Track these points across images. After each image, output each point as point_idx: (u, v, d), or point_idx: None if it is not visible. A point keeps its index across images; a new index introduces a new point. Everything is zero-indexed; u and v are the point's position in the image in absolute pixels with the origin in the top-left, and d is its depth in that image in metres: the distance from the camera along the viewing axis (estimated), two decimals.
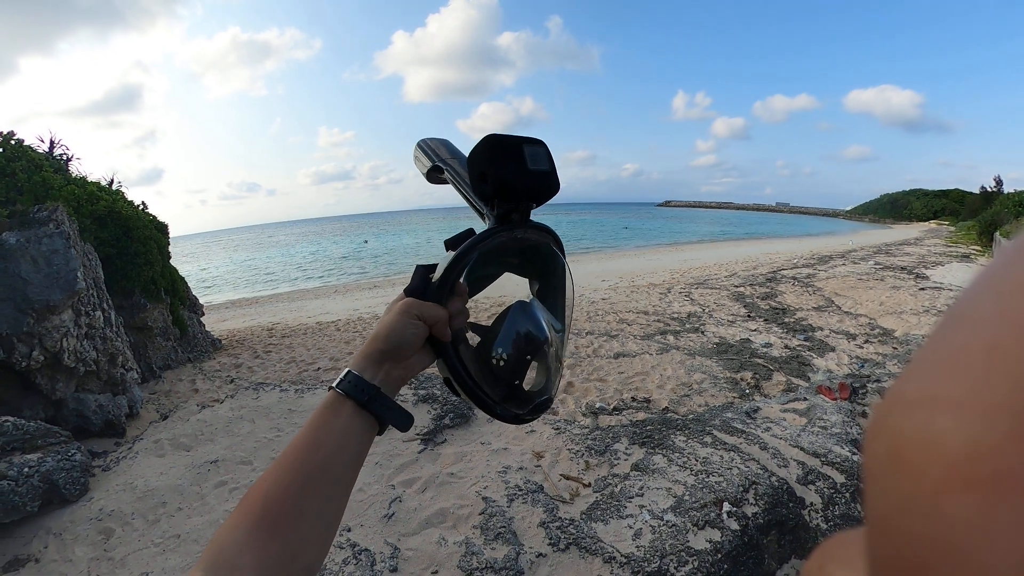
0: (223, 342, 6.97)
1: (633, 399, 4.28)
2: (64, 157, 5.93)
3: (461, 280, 0.61)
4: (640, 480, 2.93)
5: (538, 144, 0.62)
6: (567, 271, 0.69)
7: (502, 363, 0.62)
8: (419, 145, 0.78)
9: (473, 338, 0.65)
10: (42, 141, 5.88)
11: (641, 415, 3.93)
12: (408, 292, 0.60)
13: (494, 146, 0.59)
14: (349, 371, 0.56)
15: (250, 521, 0.47)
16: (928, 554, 0.14)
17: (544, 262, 0.70)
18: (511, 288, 0.72)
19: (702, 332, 6.33)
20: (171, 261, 6.47)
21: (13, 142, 5.16)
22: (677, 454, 3.18)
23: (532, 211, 0.64)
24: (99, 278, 4.65)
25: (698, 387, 4.53)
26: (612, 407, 4.09)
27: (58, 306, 3.88)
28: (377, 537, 2.64)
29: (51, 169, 5.18)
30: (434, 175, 0.75)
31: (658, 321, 6.91)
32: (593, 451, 3.28)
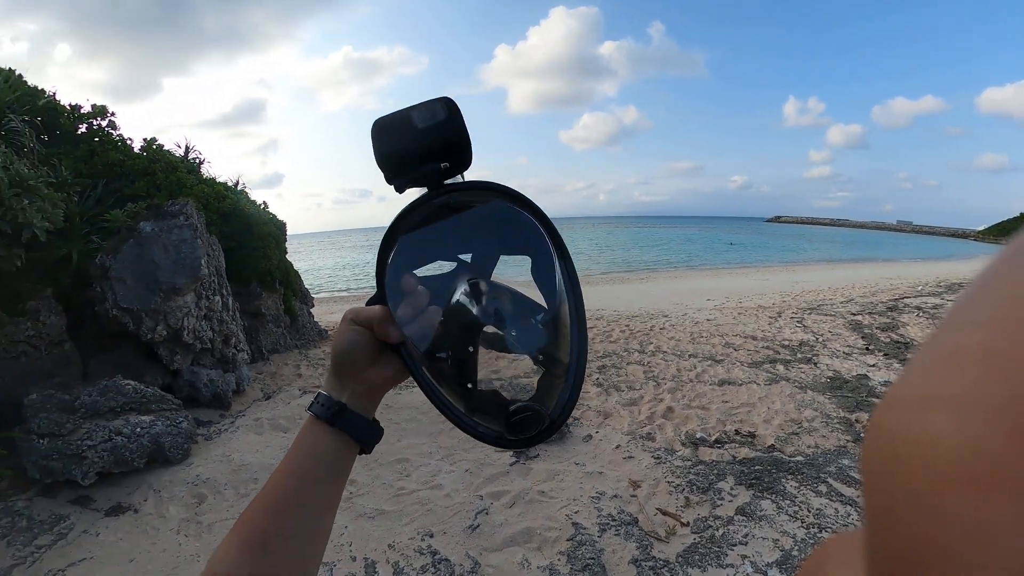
0: (329, 332, 7.27)
1: (737, 432, 3.91)
2: (197, 160, 6.65)
3: (405, 275, 0.51)
4: (745, 526, 2.64)
5: (433, 102, 0.51)
6: (538, 229, 0.52)
7: (447, 360, 0.51)
8: None
9: None
10: (179, 147, 6.72)
11: (744, 451, 3.57)
12: (367, 303, 0.54)
13: (378, 129, 0.52)
14: (319, 392, 0.55)
15: (239, 542, 0.49)
16: (927, 553, 0.14)
17: (509, 229, 0.53)
18: None
19: (815, 364, 5.74)
20: (286, 256, 6.89)
21: (155, 147, 5.81)
22: (788, 501, 2.84)
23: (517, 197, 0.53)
24: (221, 267, 5.00)
25: (808, 425, 4.06)
26: (714, 439, 3.76)
27: (182, 289, 4.22)
28: (459, 548, 2.55)
29: (185, 170, 5.77)
30: None
31: (767, 348, 6.37)
32: (695, 487, 3.00)
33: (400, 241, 0.51)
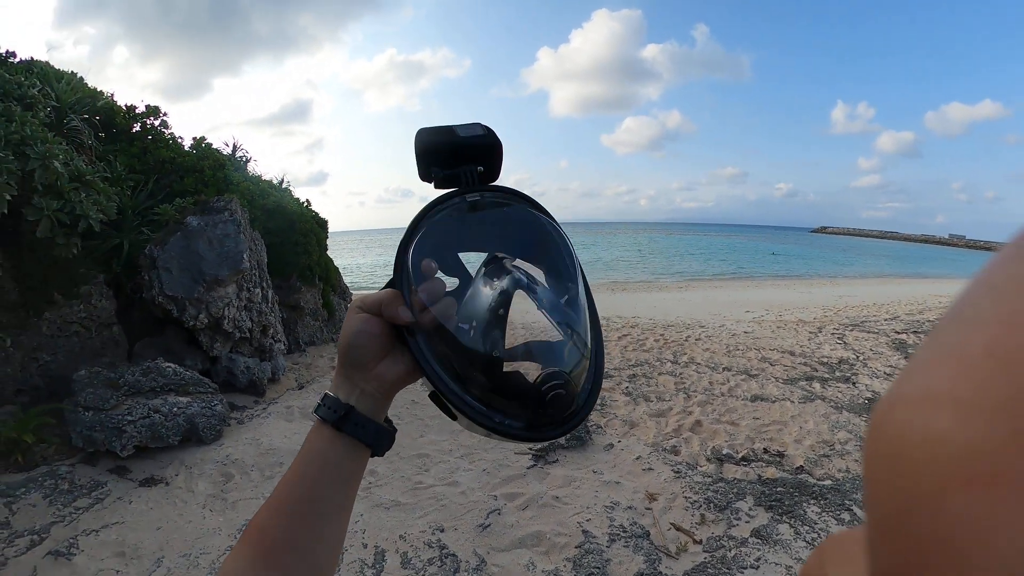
0: None
1: (765, 451, 3.80)
2: (243, 159, 6.96)
3: (425, 259, 0.49)
4: (759, 550, 2.57)
5: (474, 124, 0.56)
6: (558, 231, 0.53)
7: (471, 331, 0.48)
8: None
9: None
10: (227, 145, 7.09)
11: (771, 471, 3.46)
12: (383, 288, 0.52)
13: (422, 130, 0.56)
14: (325, 393, 0.51)
15: (250, 552, 0.47)
16: (929, 553, 0.14)
17: (529, 232, 0.54)
18: None
19: (853, 383, 5.51)
20: (327, 252, 7.09)
21: (204, 145, 6.10)
22: (807, 527, 2.75)
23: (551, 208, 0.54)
24: (262, 261, 5.20)
25: (841, 448, 3.90)
26: (740, 456, 3.66)
27: (224, 280, 4.41)
28: (468, 545, 2.59)
29: (232, 168, 6.03)
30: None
31: (804, 364, 6.17)
32: (712, 504, 2.94)
33: (425, 227, 0.51)
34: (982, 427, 0.13)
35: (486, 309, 0.49)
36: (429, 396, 0.49)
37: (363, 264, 32.11)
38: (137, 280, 4.42)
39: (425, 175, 0.57)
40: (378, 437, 0.50)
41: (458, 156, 0.55)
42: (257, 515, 0.49)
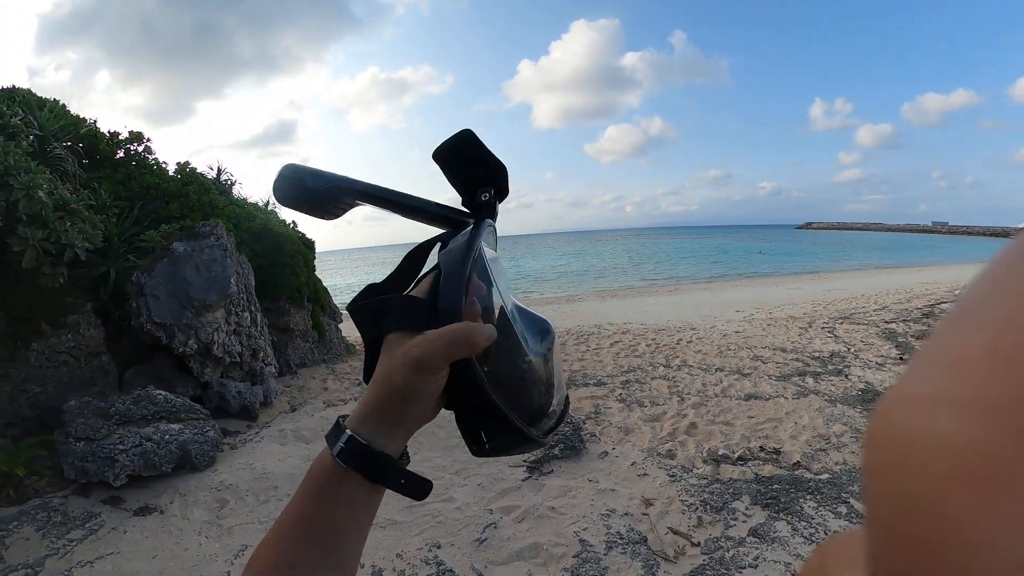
0: (357, 348, 7.39)
1: (762, 448, 3.82)
2: (228, 182, 6.98)
3: (471, 297, 0.46)
4: (757, 549, 2.57)
5: (462, 132, 0.54)
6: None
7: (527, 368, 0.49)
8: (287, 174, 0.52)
9: None
10: (211, 169, 7.13)
11: (768, 468, 3.48)
12: (398, 326, 0.46)
13: (470, 140, 0.51)
14: (352, 436, 0.44)
15: None
16: (929, 554, 0.14)
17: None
18: None
19: (846, 376, 5.56)
20: (316, 273, 7.10)
21: (188, 170, 6.12)
22: (804, 523, 2.77)
23: None
24: (250, 284, 5.20)
25: (837, 440, 3.93)
26: (737, 456, 3.68)
27: (213, 305, 4.41)
28: (464, 560, 2.58)
29: (217, 192, 6.05)
30: (319, 201, 0.52)
31: (796, 360, 6.21)
32: (709, 506, 2.95)
33: (477, 252, 0.48)
34: (982, 428, 0.13)
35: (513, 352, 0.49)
36: (460, 423, 0.47)
37: (353, 284, 32.05)
38: (125, 308, 4.41)
39: (473, 185, 0.53)
40: (420, 490, 0.46)
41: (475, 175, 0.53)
42: (265, 552, 0.44)
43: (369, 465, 0.44)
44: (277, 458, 3.69)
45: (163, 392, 3.88)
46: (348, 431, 0.45)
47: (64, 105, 5.40)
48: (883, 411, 0.16)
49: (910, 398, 0.15)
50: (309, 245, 6.90)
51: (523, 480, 3.29)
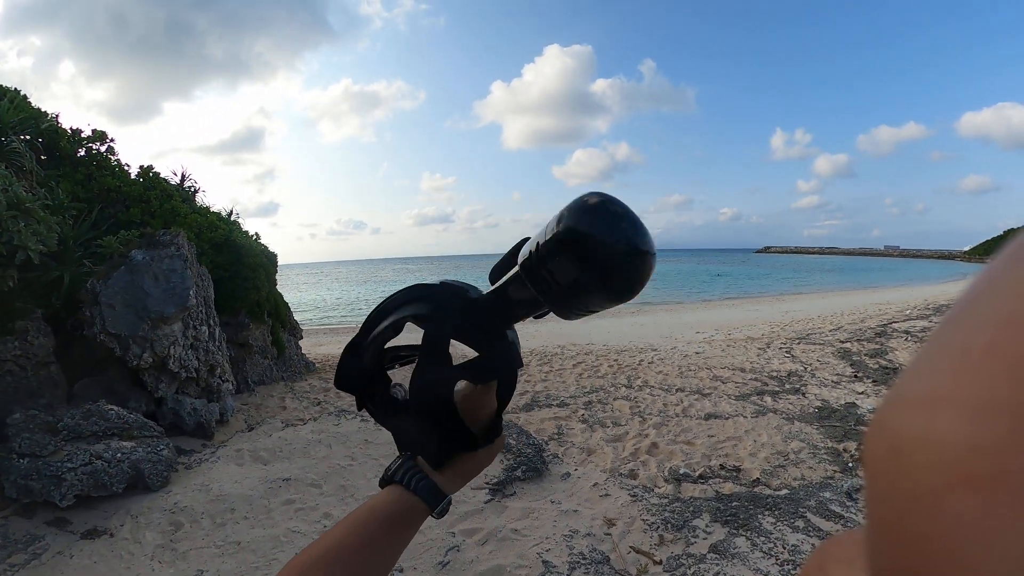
0: (316, 365, 7.27)
1: (722, 467, 3.91)
2: (192, 189, 6.78)
3: None
4: (717, 565, 2.63)
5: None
6: None
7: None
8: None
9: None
10: (175, 174, 6.84)
11: (728, 486, 3.57)
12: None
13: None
14: (436, 486, 0.55)
15: None
16: (929, 553, 0.14)
17: None
18: None
19: (803, 394, 5.76)
20: (276, 287, 6.94)
21: (151, 174, 5.92)
22: (763, 538, 2.84)
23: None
24: (209, 297, 5.06)
25: (795, 457, 4.06)
26: (698, 474, 3.76)
27: (170, 318, 4.27)
28: None
29: (180, 199, 5.87)
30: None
31: (755, 380, 6.40)
32: (670, 524, 3.00)
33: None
34: (982, 428, 0.13)
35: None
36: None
37: (315, 299, 31.43)
38: (78, 316, 4.23)
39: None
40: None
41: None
42: (298, 565, 0.48)
43: (438, 504, 0.55)
44: (234, 479, 3.57)
45: (115, 407, 3.71)
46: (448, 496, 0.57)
47: (25, 96, 5.17)
48: (883, 411, 0.16)
49: (909, 398, 0.16)
50: (271, 259, 6.75)
51: (485, 502, 3.27)
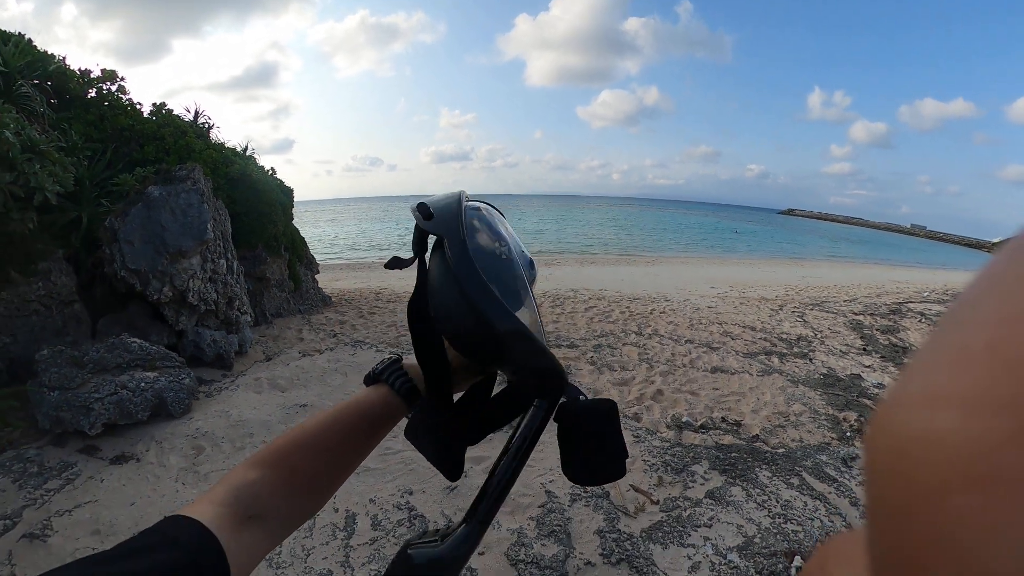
0: (332, 299, 7.40)
1: (723, 419, 3.98)
2: (206, 125, 6.74)
3: None
4: (712, 510, 2.73)
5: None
6: None
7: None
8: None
9: None
10: (188, 111, 6.79)
11: (728, 438, 3.64)
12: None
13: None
14: (402, 370, 0.62)
15: (271, 475, 0.49)
16: (930, 552, 0.14)
17: None
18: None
19: (810, 359, 5.76)
20: (293, 222, 6.99)
21: (164, 111, 5.88)
22: (758, 490, 2.93)
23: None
24: (227, 231, 5.12)
25: (795, 419, 4.11)
26: (699, 424, 3.84)
27: (188, 252, 4.35)
28: (435, 506, 2.70)
29: (194, 135, 5.85)
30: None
31: (764, 339, 6.40)
32: (669, 467, 3.10)
33: None
34: (983, 426, 0.13)
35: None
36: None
37: (331, 235, 31.52)
38: (98, 254, 4.32)
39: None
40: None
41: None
42: (280, 445, 0.52)
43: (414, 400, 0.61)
44: (252, 406, 3.74)
45: (138, 340, 3.84)
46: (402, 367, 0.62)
47: (30, 40, 5.12)
48: (884, 410, 0.16)
49: (911, 397, 0.16)
50: (287, 193, 6.78)
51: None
